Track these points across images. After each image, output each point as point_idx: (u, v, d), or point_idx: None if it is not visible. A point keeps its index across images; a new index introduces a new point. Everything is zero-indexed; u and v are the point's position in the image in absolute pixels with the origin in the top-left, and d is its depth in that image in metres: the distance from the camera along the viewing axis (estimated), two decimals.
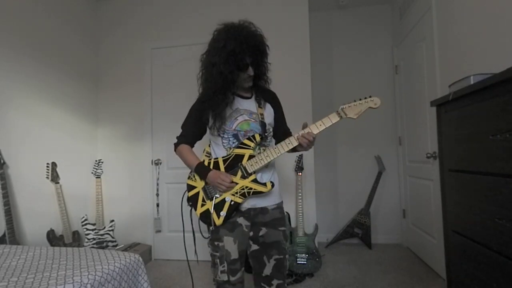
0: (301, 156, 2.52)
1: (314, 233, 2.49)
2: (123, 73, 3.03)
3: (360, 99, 1.21)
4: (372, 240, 3.08)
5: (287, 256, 1.33)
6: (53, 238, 2.36)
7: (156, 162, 2.91)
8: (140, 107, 2.97)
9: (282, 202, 1.39)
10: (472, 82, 1.17)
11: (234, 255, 1.26)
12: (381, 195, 3.26)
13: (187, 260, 1.48)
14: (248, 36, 1.20)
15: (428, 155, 2.34)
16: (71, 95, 2.75)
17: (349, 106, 1.20)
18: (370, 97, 1.21)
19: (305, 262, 2.34)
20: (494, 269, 1.01)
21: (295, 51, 2.69)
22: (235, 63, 1.20)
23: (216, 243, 1.27)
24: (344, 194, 3.35)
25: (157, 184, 2.89)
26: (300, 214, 2.42)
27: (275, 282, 1.29)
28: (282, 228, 1.33)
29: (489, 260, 1.04)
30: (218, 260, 1.27)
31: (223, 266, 1.26)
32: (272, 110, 1.39)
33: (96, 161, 2.90)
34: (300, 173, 2.48)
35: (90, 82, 3.00)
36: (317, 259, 2.37)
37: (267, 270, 1.28)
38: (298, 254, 2.36)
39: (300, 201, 2.45)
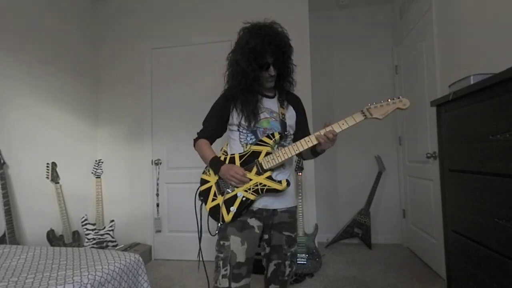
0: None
1: (314, 233, 2.49)
2: (123, 73, 3.03)
3: (388, 100, 1.17)
4: (372, 240, 3.08)
5: (287, 262, 1.27)
6: (53, 238, 2.36)
7: (156, 162, 2.91)
8: (140, 107, 2.97)
9: (295, 207, 1.34)
10: (472, 82, 1.16)
11: (240, 258, 1.16)
12: (381, 195, 3.26)
13: (202, 260, 1.35)
14: (270, 35, 1.19)
15: (428, 155, 2.34)
16: (71, 95, 2.75)
17: (375, 107, 1.16)
18: (398, 97, 1.17)
19: (305, 262, 2.34)
20: (494, 269, 1.01)
21: (295, 51, 2.68)
22: (256, 61, 1.19)
23: (221, 242, 1.20)
24: (344, 194, 3.35)
25: (157, 184, 2.89)
26: (300, 214, 2.42)
27: (272, 287, 1.28)
28: (287, 233, 1.27)
29: (489, 260, 1.04)
30: (221, 263, 1.17)
31: (225, 270, 1.16)
32: (294, 113, 1.35)
33: (96, 161, 2.90)
34: (300, 173, 2.48)
35: (90, 82, 3.00)
36: (317, 259, 2.37)
37: (268, 273, 1.28)
38: (298, 254, 2.36)
39: (300, 201, 2.44)
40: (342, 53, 3.40)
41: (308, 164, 2.65)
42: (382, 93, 3.21)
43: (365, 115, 1.16)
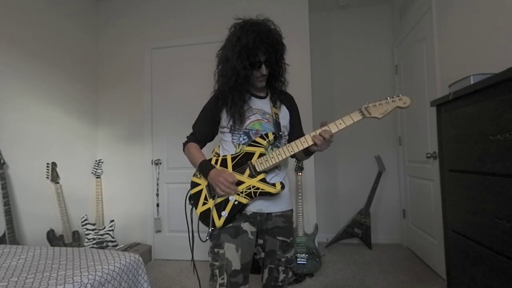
0: None
1: (314, 233, 2.49)
2: (123, 73, 3.03)
3: (387, 98, 1.12)
4: (372, 240, 3.08)
5: (281, 268, 1.22)
6: (53, 238, 2.36)
7: (156, 162, 2.91)
8: (140, 107, 2.97)
9: (291, 210, 1.28)
10: (472, 82, 1.17)
11: (236, 265, 1.12)
12: (381, 195, 3.26)
13: (193, 260, 1.31)
14: (263, 32, 1.13)
15: (428, 155, 2.34)
16: (71, 95, 2.75)
17: (373, 105, 1.11)
18: (398, 96, 1.12)
19: (305, 262, 2.34)
20: (494, 269, 1.01)
21: (295, 51, 2.68)
22: (247, 59, 1.13)
23: (216, 250, 1.14)
24: (344, 194, 3.35)
25: (157, 184, 2.89)
26: (300, 214, 2.42)
27: None
28: (281, 238, 1.22)
29: (489, 260, 1.04)
30: (217, 271, 1.12)
31: (222, 278, 1.11)
32: (287, 112, 1.30)
33: (96, 161, 2.90)
34: (300, 173, 2.48)
35: (90, 82, 3.00)
36: (317, 259, 2.37)
37: (263, 279, 1.26)
38: (298, 254, 2.36)
39: (300, 201, 2.45)
40: (342, 53, 3.40)
41: (308, 164, 2.64)
42: (382, 93, 3.21)
43: (363, 114, 1.11)
